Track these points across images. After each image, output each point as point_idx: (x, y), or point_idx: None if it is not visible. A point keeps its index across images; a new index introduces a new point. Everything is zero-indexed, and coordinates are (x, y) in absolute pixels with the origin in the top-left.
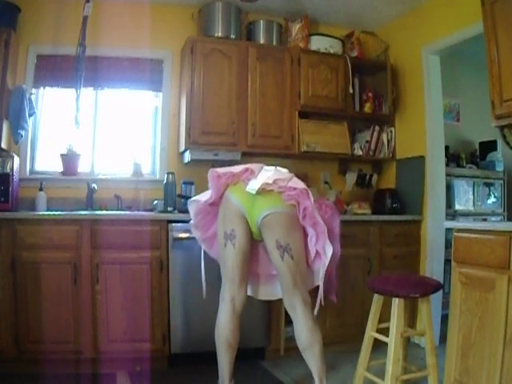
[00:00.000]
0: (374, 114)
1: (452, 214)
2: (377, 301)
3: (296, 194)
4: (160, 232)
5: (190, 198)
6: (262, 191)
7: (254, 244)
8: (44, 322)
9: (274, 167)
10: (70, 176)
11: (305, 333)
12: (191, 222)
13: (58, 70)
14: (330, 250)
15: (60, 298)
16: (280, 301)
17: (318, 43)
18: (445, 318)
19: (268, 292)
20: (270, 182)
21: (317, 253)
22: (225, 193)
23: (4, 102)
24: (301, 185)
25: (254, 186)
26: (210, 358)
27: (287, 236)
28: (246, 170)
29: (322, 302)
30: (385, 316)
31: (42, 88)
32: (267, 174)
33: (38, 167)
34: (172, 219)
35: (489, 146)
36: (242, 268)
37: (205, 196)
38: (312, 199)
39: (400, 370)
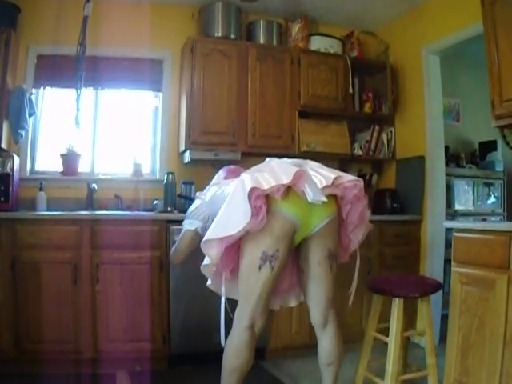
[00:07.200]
0: (373, 113)
1: (452, 214)
2: (377, 301)
3: (358, 193)
4: (160, 232)
5: (189, 198)
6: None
7: None
8: (44, 322)
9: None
10: (70, 176)
11: (332, 350)
12: (207, 263)
13: (58, 70)
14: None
15: (60, 297)
16: None
17: (317, 43)
18: (445, 318)
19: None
20: (330, 183)
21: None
22: (271, 207)
23: (4, 101)
24: (349, 176)
25: (318, 194)
26: (210, 358)
27: (336, 242)
28: (300, 174)
29: (353, 292)
30: (385, 316)
31: (42, 88)
32: (319, 171)
33: (38, 167)
34: (172, 219)
35: (489, 146)
36: (271, 292)
37: (235, 223)
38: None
39: (400, 369)
